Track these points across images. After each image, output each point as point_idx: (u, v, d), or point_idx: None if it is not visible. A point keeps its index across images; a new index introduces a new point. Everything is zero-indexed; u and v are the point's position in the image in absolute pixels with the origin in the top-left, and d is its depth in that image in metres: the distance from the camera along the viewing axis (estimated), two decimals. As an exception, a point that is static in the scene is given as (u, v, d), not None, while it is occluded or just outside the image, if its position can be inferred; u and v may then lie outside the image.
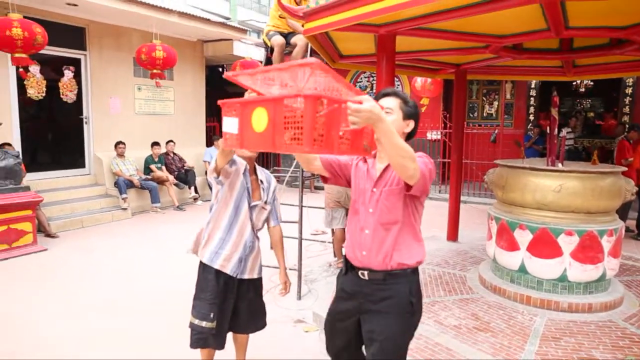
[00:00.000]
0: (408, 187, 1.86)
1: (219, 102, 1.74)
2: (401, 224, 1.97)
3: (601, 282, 4.12)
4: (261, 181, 2.63)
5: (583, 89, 12.81)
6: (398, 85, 11.53)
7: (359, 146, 1.64)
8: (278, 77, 1.58)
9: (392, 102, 2.00)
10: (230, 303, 2.62)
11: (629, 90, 10.19)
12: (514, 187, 4.28)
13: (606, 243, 4.01)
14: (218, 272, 2.56)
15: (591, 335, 3.52)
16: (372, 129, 1.58)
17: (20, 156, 6.32)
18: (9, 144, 6.70)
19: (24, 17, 5.90)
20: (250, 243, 2.59)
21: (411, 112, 2.02)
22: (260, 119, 1.50)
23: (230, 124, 1.65)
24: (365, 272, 2.01)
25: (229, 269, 2.55)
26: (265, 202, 2.63)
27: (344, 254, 2.15)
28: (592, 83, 12.46)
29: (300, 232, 4.46)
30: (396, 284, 1.98)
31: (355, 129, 1.53)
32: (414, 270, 2.04)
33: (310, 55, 5.12)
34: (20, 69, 6.11)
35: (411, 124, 2.03)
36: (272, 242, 2.82)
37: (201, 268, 2.62)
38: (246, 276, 2.62)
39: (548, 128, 4.43)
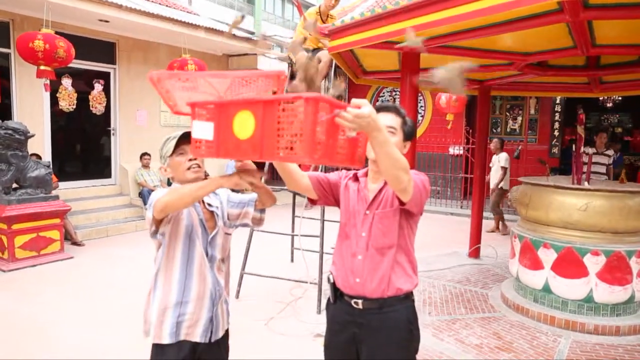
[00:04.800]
0: (402, 202, 1.73)
1: (187, 102, 1.49)
2: (397, 247, 1.83)
3: (630, 304, 4.02)
4: (209, 204, 1.95)
5: (610, 104, 12.56)
6: (421, 100, 11.52)
7: (354, 155, 1.47)
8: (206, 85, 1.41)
9: (394, 121, 1.81)
10: None
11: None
12: (538, 205, 4.22)
13: (635, 264, 3.92)
14: (180, 343, 1.88)
15: None
16: (366, 137, 1.43)
17: (51, 166, 6.51)
18: (38, 155, 6.91)
19: (58, 32, 6.13)
20: (217, 291, 1.92)
21: (411, 133, 1.85)
22: (245, 125, 1.30)
23: (201, 129, 1.41)
24: (359, 301, 1.85)
25: (197, 336, 1.88)
26: (225, 225, 1.98)
27: (331, 281, 1.96)
28: (620, 98, 12.23)
29: (322, 246, 4.48)
30: (393, 312, 1.84)
31: (350, 137, 1.39)
32: (409, 295, 1.89)
33: (334, 71, 5.19)
34: (45, 82, 6.21)
35: (408, 145, 1.88)
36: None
37: (156, 348, 1.89)
38: (220, 333, 1.97)
39: (574, 146, 4.38)
